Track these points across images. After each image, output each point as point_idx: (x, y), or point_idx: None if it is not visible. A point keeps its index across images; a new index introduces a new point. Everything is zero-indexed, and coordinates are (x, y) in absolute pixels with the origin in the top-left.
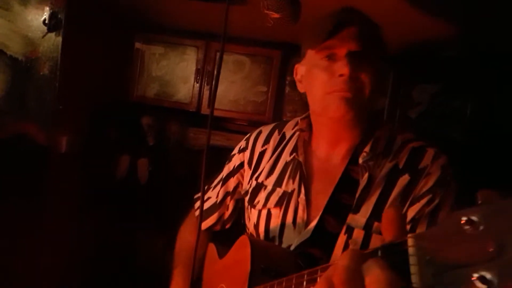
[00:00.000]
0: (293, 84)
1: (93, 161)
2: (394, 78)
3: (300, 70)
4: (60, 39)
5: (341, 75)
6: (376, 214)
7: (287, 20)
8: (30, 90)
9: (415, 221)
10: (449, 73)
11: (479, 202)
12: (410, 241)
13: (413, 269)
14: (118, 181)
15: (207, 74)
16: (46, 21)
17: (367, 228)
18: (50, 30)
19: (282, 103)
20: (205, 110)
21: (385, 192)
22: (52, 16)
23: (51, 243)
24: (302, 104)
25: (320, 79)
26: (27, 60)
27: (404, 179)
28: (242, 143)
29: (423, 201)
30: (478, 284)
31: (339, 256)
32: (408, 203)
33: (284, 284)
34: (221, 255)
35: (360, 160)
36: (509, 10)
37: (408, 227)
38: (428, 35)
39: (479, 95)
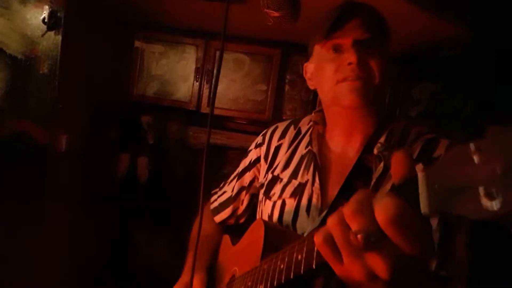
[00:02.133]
0: (292, 82)
1: (93, 160)
2: (394, 77)
3: (309, 68)
4: (59, 37)
5: (349, 64)
6: None
7: (287, 18)
8: (29, 89)
9: None
10: (449, 72)
11: (487, 135)
12: (418, 169)
13: (422, 197)
14: (118, 180)
15: (207, 72)
16: (46, 20)
17: None
18: (49, 28)
19: (281, 101)
20: (204, 108)
21: None
22: (51, 14)
23: (51, 242)
24: (302, 102)
25: (329, 71)
26: (26, 59)
27: (418, 168)
28: (259, 139)
29: None
30: (485, 200)
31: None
32: None
33: (296, 247)
34: (234, 243)
35: (375, 151)
36: (509, 9)
37: None
38: (428, 34)
39: (478, 94)
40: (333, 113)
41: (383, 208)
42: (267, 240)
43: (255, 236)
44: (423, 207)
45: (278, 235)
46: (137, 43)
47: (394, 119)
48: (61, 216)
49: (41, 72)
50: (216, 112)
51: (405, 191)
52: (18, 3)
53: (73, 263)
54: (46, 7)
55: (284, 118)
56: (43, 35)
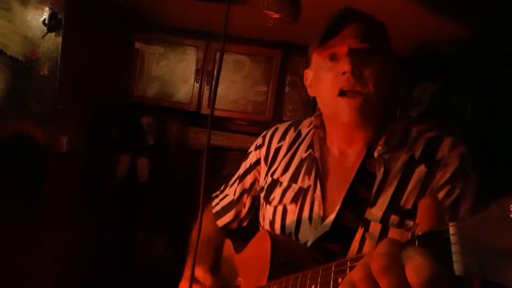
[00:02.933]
0: (293, 83)
1: (94, 160)
2: (396, 79)
3: (309, 75)
4: (60, 39)
5: (344, 73)
6: (392, 207)
7: (287, 20)
8: (30, 90)
9: None
10: (450, 72)
11: None
12: (452, 229)
13: (455, 257)
14: (119, 180)
15: (207, 74)
16: (46, 21)
17: (384, 221)
18: (50, 30)
19: (282, 102)
20: (205, 110)
21: (401, 184)
22: (52, 16)
23: (52, 242)
24: (302, 103)
25: (326, 80)
26: (27, 60)
27: (420, 170)
28: (259, 140)
29: (442, 193)
30: None
31: (377, 245)
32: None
33: (309, 275)
34: (237, 250)
35: (375, 154)
36: (509, 9)
37: None
38: (429, 34)
39: (479, 94)
40: (331, 124)
41: (416, 270)
42: (274, 255)
43: (261, 248)
44: (458, 268)
45: (285, 249)
46: (138, 44)
47: (394, 120)
48: (62, 217)
49: (41, 73)
50: (217, 113)
51: (436, 245)
52: (18, 4)
53: (74, 263)
54: (47, 8)
55: (284, 119)
56: (43, 36)
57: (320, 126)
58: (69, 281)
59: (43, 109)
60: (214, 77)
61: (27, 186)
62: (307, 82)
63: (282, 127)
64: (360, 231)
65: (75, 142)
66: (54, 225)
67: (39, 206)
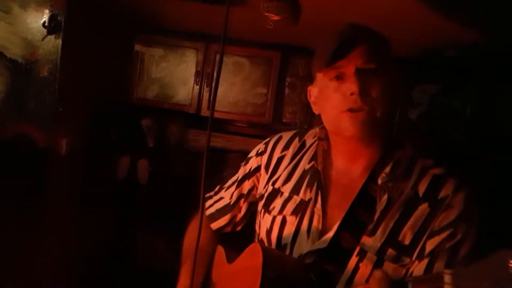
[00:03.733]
0: (292, 85)
1: (93, 163)
2: (400, 93)
3: (313, 92)
4: (59, 41)
5: (352, 94)
6: (390, 241)
7: (287, 22)
8: (30, 93)
9: (434, 254)
10: (449, 73)
11: None
12: (446, 278)
13: None
14: (118, 182)
15: (207, 76)
16: (46, 24)
17: (380, 254)
18: (49, 32)
19: (282, 104)
20: (204, 112)
21: (402, 219)
22: (51, 18)
23: (51, 244)
24: (302, 106)
25: (332, 100)
26: (26, 62)
27: (423, 209)
28: (261, 147)
29: (444, 235)
30: None
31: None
32: (426, 234)
33: None
34: (229, 259)
35: (379, 181)
36: (509, 10)
37: (426, 260)
38: (429, 35)
39: (479, 95)
40: (336, 139)
41: None
42: (265, 270)
43: (252, 262)
44: None
45: (277, 264)
46: (137, 47)
47: (400, 147)
48: (62, 219)
49: (41, 75)
50: (216, 115)
51: None
52: (18, 7)
53: (73, 265)
54: (47, 11)
55: (284, 121)
56: (43, 38)
57: (325, 139)
58: (69, 282)
59: (43, 111)
60: (214, 79)
61: (27, 188)
62: (311, 99)
63: (286, 136)
64: (354, 259)
65: (75, 144)
66: (54, 226)
67: (39, 208)
